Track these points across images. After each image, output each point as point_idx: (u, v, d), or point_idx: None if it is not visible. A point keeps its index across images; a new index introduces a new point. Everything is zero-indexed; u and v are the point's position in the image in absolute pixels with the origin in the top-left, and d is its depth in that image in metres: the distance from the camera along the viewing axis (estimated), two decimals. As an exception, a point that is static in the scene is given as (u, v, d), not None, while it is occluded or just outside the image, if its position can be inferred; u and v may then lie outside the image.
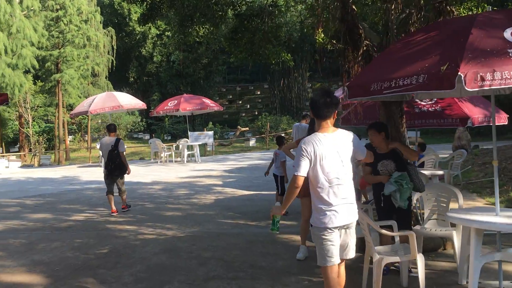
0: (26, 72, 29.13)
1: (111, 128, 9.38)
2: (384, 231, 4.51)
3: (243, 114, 48.20)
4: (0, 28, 16.88)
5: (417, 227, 5.61)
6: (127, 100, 17.93)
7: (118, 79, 41.02)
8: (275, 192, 9.05)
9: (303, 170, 3.51)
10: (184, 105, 18.53)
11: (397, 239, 4.94)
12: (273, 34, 9.45)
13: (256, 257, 5.96)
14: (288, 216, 7.98)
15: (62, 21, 25.34)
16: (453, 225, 5.50)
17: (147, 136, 40.44)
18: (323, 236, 3.56)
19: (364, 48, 6.34)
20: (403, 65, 3.98)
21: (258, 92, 53.34)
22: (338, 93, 7.40)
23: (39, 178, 16.12)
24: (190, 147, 20.04)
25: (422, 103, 7.54)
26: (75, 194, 12.06)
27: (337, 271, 3.69)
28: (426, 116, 7.48)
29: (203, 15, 9.26)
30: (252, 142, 26.35)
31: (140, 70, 44.34)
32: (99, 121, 38.39)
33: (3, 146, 33.61)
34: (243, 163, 18.36)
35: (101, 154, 9.75)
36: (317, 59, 44.73)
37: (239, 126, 31.06)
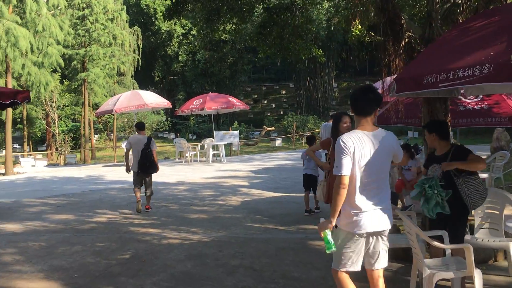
0: (54, 71, 29.35)
1: (141, 126, 9.35)
2: (436, 243, 4.00)
3: (268, 114, 47.83)
4: (26, 26, 16.83)
5: (467, 236, 5.05)
6: (152, 99, 17.71)
7: (144, 78, 41.12)
8: (303, 194, 8.62)
9: (346, 168, 3.22)
10: (210, 104, 18.19)
11: (448, 251, 4.41)
12: (303, 29, 8.96)
13: (287, 266, 5.51)
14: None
15: (88, 19, 25.36)
16: (507, 235, 4.96)
17: (172, 136, 40.42)
18: (345, 241, 3.34)
19: (406, 40, 5.81)
20: (462, 55, 3.47)
21: (284, 92, 52.93)
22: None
23: (64, 177, 16.02)
24: (215, 147, 19.71)
25: (467, 100, 6.95)
26: (99, 194, 11.82)
27: (349, 278, 3.47)
28: (472, 114, 6.88)
29: (230, 9, 8.86)
30: (278, 142, 25.87)
31: (166, 69, 44.39)
32: (125, 120, 38.54)
33: (31, 145, 34.02)
34: (270, 164, 17.91)
35: (127, 152, 9.43)
36: (344, 57, 44.12)
37: (264, 126, 30.61)
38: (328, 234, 3.37)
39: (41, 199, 11.24)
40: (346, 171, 3.21)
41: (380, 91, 5.52)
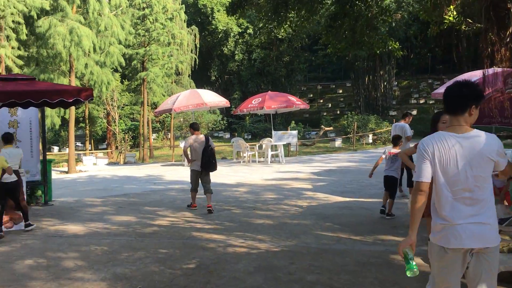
0: (115, 71, 29.92)
1: (196, 127, 9.47)
2: None
3: (324, 113, 46.90)
4: (89, 26, 17.02)
5: None
6: (211, 98, 17.44)
7: (200, 78, 41.34)
8: (373, 200, 7.93)
9: (425, 174, 2.93)
10: (269, 102, 17.70)
11: None
12: (378, 20, 8.23)
13: (372, 285, 4.86)
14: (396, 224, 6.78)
15: (148, 19, 25.56)
16: None
17: (227, 135, 40.39)
18: (436, 256, 2.96)
19: (513, 27, 5.00)
20: None
21: (340, 91, 51.82)
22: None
23: (124, 176, 16.02)
24: (273, 147, 19.20)
25: None
26: (159, 195, 11.58)
27: None
28: None
29: (298, 1, 8.26)
30: (337, 143, 24.99)
31: (222, 68, 44.46)
32: (181, 119, 38.89)
33: (92, 143, 34.93)
34: (331, 165, 17.17)
35: (186, 150, 9.36)
36: (405, 54, 42.33)
37: (322, 126, 29.78)
38: (409, 252, 2.94)
39: (102, 199, 11.14)
40: (424, 177, 2.94)
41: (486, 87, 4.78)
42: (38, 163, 10.48)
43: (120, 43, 18.51)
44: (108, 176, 16.12)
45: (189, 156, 9.23)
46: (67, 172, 17.91)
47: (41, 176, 10.50)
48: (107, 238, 7.15)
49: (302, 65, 43.78)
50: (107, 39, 17.36)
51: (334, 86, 52.86)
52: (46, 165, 10.50)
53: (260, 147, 20.00)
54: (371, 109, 39.42)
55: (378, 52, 9.41)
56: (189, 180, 9.52)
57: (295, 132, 22.17)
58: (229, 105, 18.27)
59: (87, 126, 30.05)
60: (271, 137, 19.36)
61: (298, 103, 18.26)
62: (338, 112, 46.62)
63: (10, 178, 7.45)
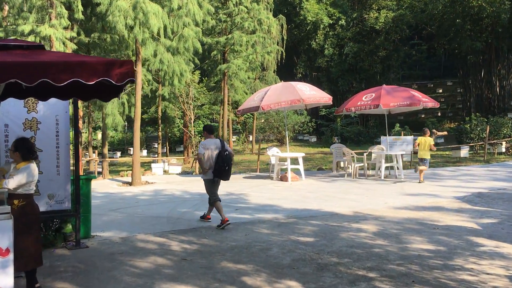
0: (196, 68, 26.75)
1: (211, 129, 8.66)
2: None
3: (422, 115, 41.53)
4: (160, 3, 13.56)
5: None
6: (310, 93, 13.42)
7: (285, 75, 37.43)
8: None
9: None
10: (386, 99, 13.33)
11: None
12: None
13: None
14: None
15: (231, 1, 21.92)
16: None
17: (313, 138, 36.23)
18: None
19: None
20: None
21: (440, 90, 46.12)
22: None
23: (197, 193, 12.28)
24: (388, 158, 14.84)
25: None
26: (244, 232, 7.69)
27: None
28: None
29: None
30: (463, 152, 19.87)
31: (309, 65, 40.39)
32: (262, 120, 35.19)
33: (167, 146, 32.13)
34: (475, 185, 12.47)
35: (201, 158, 8.23)
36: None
37: (434, 130, 24.60)
38: None
39: (160, 237, 7.47)
40: None
41: None
42: (68, 184, 6.99)
43: (196, 25, 15.03)
44: (178, 193, 12.56)
45: (205, 164, 8.18)
46: (130, 184, 14.65)
47: (72, 204, 7.00)
48: None
49: (397, 62, 38.57)
50: (180, 19, 13.87)
51: (432, 85, 47.35)
52: (78, 187, 6.98)
53: (368, 156, 15.70)
54: (484, 110, 33.29)
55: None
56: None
57: (409, 138, 17.57)
58: (331, 102, 14.11)
59: (160, 127, 27.15)
60: (373, 143, 14.97)
61: (425, 100, 13.70)
62: (439, 114, 41.17)
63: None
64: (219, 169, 8.07)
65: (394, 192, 11.68)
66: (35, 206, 4.84)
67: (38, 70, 4.28)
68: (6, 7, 17.41)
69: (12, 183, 4.60)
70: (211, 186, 8.30)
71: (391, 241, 6.96)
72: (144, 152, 33.67)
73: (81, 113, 19.98)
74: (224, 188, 13.23)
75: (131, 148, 23.63)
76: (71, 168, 7.04)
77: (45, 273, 5.67)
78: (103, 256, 6.45)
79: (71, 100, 7.31)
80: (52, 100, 6.54)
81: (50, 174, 6.82)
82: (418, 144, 13.15)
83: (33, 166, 4.79)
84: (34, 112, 6.77)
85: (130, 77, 4.57)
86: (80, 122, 20.39)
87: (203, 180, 8.40)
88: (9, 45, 5.04)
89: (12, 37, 13.14)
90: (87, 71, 4.39)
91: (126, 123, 28.46)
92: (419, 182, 12.90)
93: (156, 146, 33.57)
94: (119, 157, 31.55)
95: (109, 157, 30.54)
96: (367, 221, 8.38)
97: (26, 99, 6.68)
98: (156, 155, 28.72)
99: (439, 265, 5.76)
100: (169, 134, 34.11)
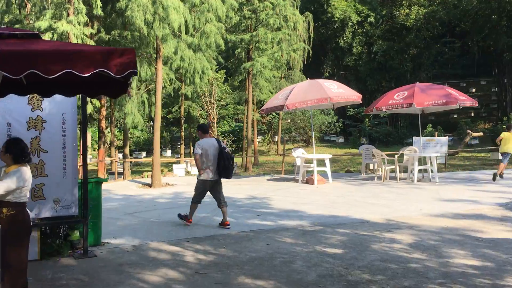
0: (219, 67, 26.26)
1: (205, 129, 8.36)
2: None
3: (454, 116, 40.12)
4: (181, -2, 13.02)
5: None
6: (338, 91, 12.68)
7: (311, 74, 36.55)
8: None
9: None
10: (420, 97, 12.48)
11: None
12: None
13: None
14: None
15: (256, -4, 21.27)
16: None
17: (340, 139, 35.30)
18: None
19: None
20: None
21: (473, 90, 44.47)
22: None
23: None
24: (421, 160, 13.98)
25: None
26: (265, 241, 7.05)
27: None
28: None
29: None
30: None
31: (336, 63, 39.43)
32: (288, 120, 34.45)
33: (191, 146, 31.72)
34: (517, 190, 11.52)
35: (198, 159, 7.92)
36: None
37: (469, 130, 23.49)
38: None
39: (175, 246, 6.89)
40: None
41: None
42: (75, 188, 6.47)
43: (219, 20, 14.44)
44: (198, 196, 11.99)
45: (200, 164, 7.95)
46: (150, 186, 14.17)
47: (79, 209, 6.48)
48: None
49: (428, 60, 37.28)
50: (202, 15, 13.31)
51: (465, 85, 45.65)
52: (86, 191, 6.46)
53: (400, 158, 14.84)
54: (520, 111, 31.87)
55: None
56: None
57: (444, 139, 16.62)
58: (360, 101, 13.33)
59: (182, 127, 26.67)
60: (399, 144, 14.31)
61: (462, 99, 12.76)
62: (473, 114, 39.72)
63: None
64: (225, 167, 7.95)
65: (429, 197, 10.84)
66: (27, 217, 4.30)
67: (26, 60, 3.73)
68: (29, 5, 17.25)
69: None
70: (202, 188, 8.15)
71: (429, 255, 6.20)
72: (169, 152, 33.38)
73: (104, 113, 19.71)
74: (246, 191, 12.64)
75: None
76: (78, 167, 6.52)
77: (45, 286, 5.17)
78: (111, 267, 5.91)
79: (78, 96, 6.80)
80: (59, 97, 6.05)
81: (56, 177, 6.31)
82: (501, 140, 13.57)
83: (25, 169, 4.25)
84: (39, 110, 6.27)
85: (132, 68, 3.99)
86: (104, 122, 20.11)
87: (197, 179, 8.22)
88: (3, 34, 4.52)
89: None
90: (82, 61, 3.82)
91: (151, 123, 28.20)
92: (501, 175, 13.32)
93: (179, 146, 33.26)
94: (144, 157, 31.31)
95: (134, 157, 30.37)
96: (401, 230, 7.62)
97: (31, 96, 6.20)
98: (178, 158, 28.35)
99: (487, 285, 5.00)
100: (194, 134, 33.74)
